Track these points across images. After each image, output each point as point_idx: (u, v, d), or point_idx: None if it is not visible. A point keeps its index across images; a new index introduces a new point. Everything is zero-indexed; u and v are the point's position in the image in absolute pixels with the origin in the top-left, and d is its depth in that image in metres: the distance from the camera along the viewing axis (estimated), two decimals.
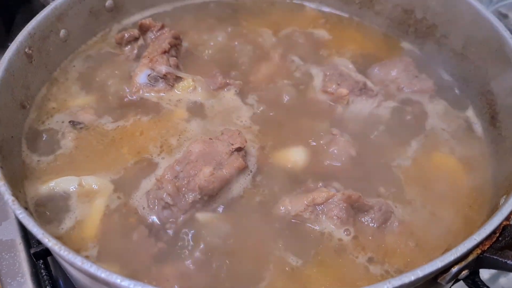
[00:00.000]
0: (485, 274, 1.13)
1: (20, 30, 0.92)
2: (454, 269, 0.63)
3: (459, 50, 1.05)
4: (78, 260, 0.59)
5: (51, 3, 0.99)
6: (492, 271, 1.15)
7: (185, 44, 1.09)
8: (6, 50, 1.32)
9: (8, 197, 0.66)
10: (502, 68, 0.92)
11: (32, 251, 0.91)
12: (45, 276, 0.94)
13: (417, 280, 0.59)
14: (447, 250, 0.61)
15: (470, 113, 1.02)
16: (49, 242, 0.61)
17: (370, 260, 0.76)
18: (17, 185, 0.79)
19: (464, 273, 0.66)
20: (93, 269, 0.58)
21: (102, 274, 0.58)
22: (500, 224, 0.65)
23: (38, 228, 0.63)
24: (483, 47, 0.98)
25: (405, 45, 1.16)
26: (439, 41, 1.09)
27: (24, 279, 0.95)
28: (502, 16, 1.55)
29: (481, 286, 0.94)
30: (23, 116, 0.91)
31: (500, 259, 0.64)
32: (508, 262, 0.63)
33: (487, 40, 0.96)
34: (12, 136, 0.85)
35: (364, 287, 0.57)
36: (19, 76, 0.89)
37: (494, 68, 0.95)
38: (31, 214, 0.70)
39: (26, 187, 0.83)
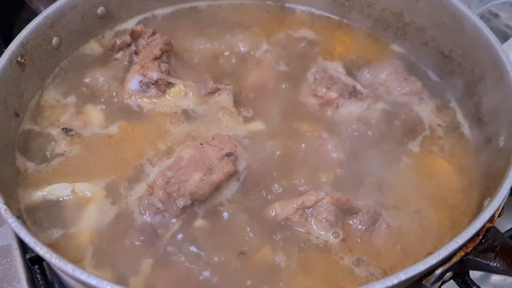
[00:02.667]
0: (476, 272, 1.14)
1: None
2: (438, 272, 0.65)
3: (446, 52, 1.06)
4: (69, 268, 0.60)
5: (43, 12, 1.00)
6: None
7: (176, 50, 1.10)
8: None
9: (1, 206, 0.67)
10: (488, 70, 0.93)
11: (27, 256, 0.92)
12: (40, 281, 0.95)
13: (401, 283, 0.60)
14: (430, 253, 0.63)
15: (459, 114, 1.03)
16: (41, 250, 0.63)
17: (356, 262, 0.78)
18: (10, 193, 0.80)
19: (448, 275, 0.67)
20: (84, 276, 0.60)
21: (93, 281, 0.59)
22: (483, 227, 0.67)
23: (30, 236, 0.64)
24: (469, 49, 0.99)
25: (394, 47, 1.17)
26: (427, 44, 1.10)
27: (20, 284, 0.97)
28: (493, 16, 1.56)
29: (471, 285, 0.95)
30: (16, 124, 0.92)
31: (483, 261, 0.65)
32: (491, 263, 0.65)
33: (473, 42, 0.97)
34: (5, 145, 0.86)
35: None
36: (11, 85, 0.91)
37: (481, 70, 0.96)
38: (24, 222, 0.72)
39: (19, 195, 0.85)
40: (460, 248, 0.65)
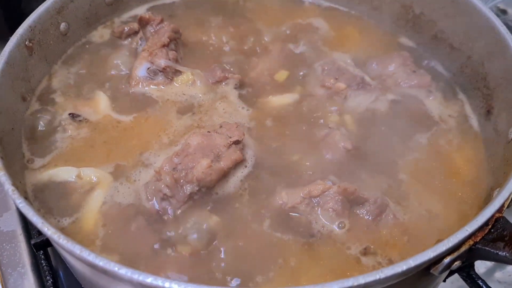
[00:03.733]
0: (481, 268, 1.14)
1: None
2: (447, 260, 0.64)
3: (456, 45, 1.05)
4: (76, 249, 0.60)
5: None
6: (488, 264, 1.16)
7: (184, 38, 1.10)
8: (4, 44, 1.34)
9: (8, 186, 0.67)
10: (498, 63, 0.93)
11: (32, 241, 0.92)
12: (45, 267, 0.95)
13: (409, 270, 0.60)
14: (439, 241, 0.62)
15: (467, 107, 1.03)
16: (49, 231, 0.62)
17: (363, 251, 0.77)
18: (17, 176, 0.80)
19: (457, 263, 0.67)
20: (91, 257, 0.59)
21: (100, 262, 0.59)
22: (492, 216, 0.66)
23: (38, 217, 0.64)
24: (480, 42, 0.98)
25: (403, 40, 1.17)
26: (436, 36, 1.09)
27: (25, 270, 0.97)
28: (501, 12, 1.55)
29: (476, 279, 0.95)
30: (23, 108, 0.92)
31: (492, 250, 0.65)
32: (500, 253, 0.65)
33: (484, 35, 0.96)
34: (12, 128, 0.86)
35: (357, 276, 0.58)
36: (19, 69, 0.90)
37: (491, 63, 0.96)
38: (30, 204, 0.71)
39: (25, 178, 0.85)
40: (469, 237, 0.64)
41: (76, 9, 1.05)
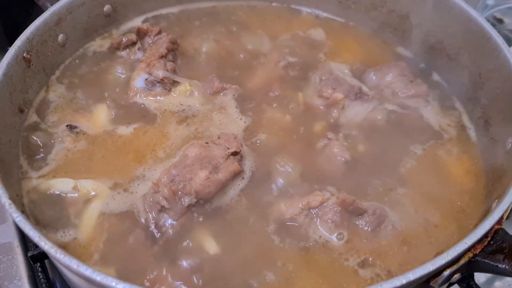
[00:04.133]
0: (481, 277, 1.13)
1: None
2: (446, 273, 0.64)
3: (453, 55, 1.06)
4: (73, 263, 0.60)
5: (49, 8, 1.00)
6: (488, 274, 1.15)
7: (182, 49, 1.10)
8: (3, 54, 1.34)
9: (5, 200, 0.67)
10: (495, 73, 0.93)
11: (29, 254, 0.91)
12: (42, 279, 0.94)
13: (409, 284, 0.60)
14: (438, 254, 0.62)
15: (464, 117, 1.03)
16: (45, 245, 0.62)
17: (361, 263, 0.77)
18: (14, 188, 0.80)
19: (456, 276, 0.66)
20: (88, 272, 0.59)
21: (98, 277, 0.59)
22: (491, 228, 0.66)
23: (35, 231, 0.63)
24: (476, 52, 0.99)
25: (400, 50, 1.17)
26: (433, 47, 1.10)
27: (22, 282, 0.96)
28: (497, 21, 1.56)
29: None
30: (21, 120, 0.92)
31: (491, 262, 0.65)
32: (499, 265, 0.64)
33: (481, 45, 0.97)
34: (9, 140, 0.85)
35: None
36: (17, 81, 0.90)
37: (487, 73, 0.96)
38: (27, 217, 0.71)
39: (22, 190, 0.84)
40: (469, 249, 0.64)
41: (74, 21, 1.05)
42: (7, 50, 1.39)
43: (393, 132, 0.99)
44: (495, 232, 0.67)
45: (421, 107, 1.04)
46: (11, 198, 0.68)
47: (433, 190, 0.89)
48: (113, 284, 0.58)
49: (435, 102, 1.05)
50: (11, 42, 1.39)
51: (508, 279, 1.14)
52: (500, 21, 1.56)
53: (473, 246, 0.64)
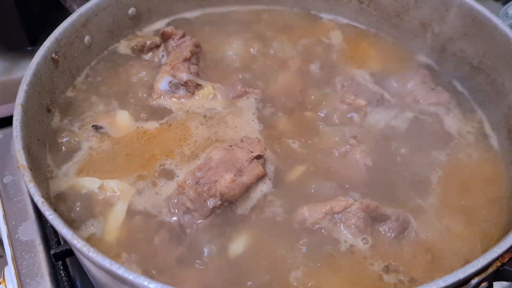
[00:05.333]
0: (497, 286, 1.13)
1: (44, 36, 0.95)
2: (474, 281, 0.64)
3: (475, 63, 1.06)
4: (106, 262, 0.61)
5: (76, 10, 1.01)
6: (504, 283, 1.15)
7: (205, 52, 1.11)
8: (23, 54, 1.36)
9: (38, 198, 0.68)
10: None
11: (52, 252, 0.93)
12: (64, 277, 0.96)
13: None
14: (467, 261, 0.62)
15: (486, 126, 1.03)
16: (78, 243, 0.63)
17: (385, 269, 0.77)
18: (43, 187, 0.81)
19: (484, 285, 0.67)
20: (121, 271, 0.60)
21: (130, 276, 0.59)
22: None
23: (67, 229, 0.64)
24: (499, 61, 0.99)
25: (421, 57, 1.18)
26: (455, 55, 1.10)
27: (43, 279, 0.97)
28: None
29: None
30: (48, 119, 0.93)
31: None
32: None
33: (504, 54, 0.97)
34: (38, 139, 0.87)
35: None
36: (45, 81, 0.92)
37: (511, 82, 0.96)
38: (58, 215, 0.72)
39: (50, 189, 0.85)
40: (497, 258, 0.64)
41: (100, 23, 1.07)
42: (27, 50, 1.43)
43: (415, 139, 0.99)
44: None
45: (442, 115, 1.04)
46: (43, 196, 0.69)
47: (456, 199, 0.89)
48: (146, 283, 0.59)
49: (457, 110, 1.05)
50: (31, 43, 1.43)
51: None
52: None
53: (501, 255, 0.65)
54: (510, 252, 0.66)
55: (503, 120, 0.98)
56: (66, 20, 0.99)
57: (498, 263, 0.65)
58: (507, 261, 0.66)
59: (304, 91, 1.06)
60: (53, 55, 0.94)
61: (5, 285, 0.97)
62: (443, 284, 0.59)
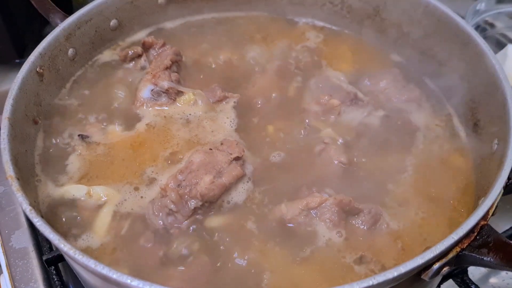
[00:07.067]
0: (475, 273, 1.18)
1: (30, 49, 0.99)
2: (436, 266, 0.69)
3: (443, 61, 1.11)
4: (91, 263, 0.65)
5: (59, 25, 1.05)
6: (483, 270, 1.20)
7: (185, 60, 1.15)
8: (12, 67, 1.39)
9: (26, 206, 0.72)
10: (482, 77, 0.98)
11: (44, 258, 0.97)
12: (56, 282, 1.00)
13: (400, 276, 0.64)
14: (427, 248, 0.67)
15: (455, 120, 1.08)
16: (65, 247, 0.67)
17: (357, 260, 0.82)
18: (31, 195, 0.85)
19: (446, 269, 0.71)
20: (105, 270, 0.64)
21: (114, 275, 0.64)
22: (477, 224, 0.71)
23: (55, 234, 0.69)
24: (464, 58, 1.04)
25: (394, 56, 1.23)
26: (425, 53, 1.15)
27: (37, 285, 1.01)
28: (489, 26, 1.62)
29: (470, 285, 1.00)
30: (35, 131, 0.97)
31: (478, 256, 0.69)
32: (485, 258, 0.69)
33: (467, 52, 1.02)
34: (26, 150, 0.91)
35: (352, 283, 0.62)
36: (31, 94, 0.96)
37: (475, 78, 1.01)
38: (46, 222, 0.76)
39: (38, 198, 0.89)
40: (456, 244, 0.69)
41: (83, 35, 1.11)
42: (15, 62, 1.47)
43: (387, 135, 1.03)
44: (481, 228, 0.72)
45: (414, 111, 1.08)
46: (30, 204, 0.73)
47: (426, 189, 0.94)
48: (128, 281, 0.63)
49: (428, 106, 1.10)
50: (19, 55, 1.47)
51: (503, 274, 1.19)
52: (492, 25, 1.62)
53: (460, 241, 0.69)
54: (469, 238, 0.71)
55: (469, 114, 1.03)
56: (49, 34, 1.03)
57: (458, 249, 0.70)
58: (467, 246, 0.70)
59: (281, 94, 1.11)
60: (37, 69, 0.98)
61: None
62: (403, 270, 0.63)
